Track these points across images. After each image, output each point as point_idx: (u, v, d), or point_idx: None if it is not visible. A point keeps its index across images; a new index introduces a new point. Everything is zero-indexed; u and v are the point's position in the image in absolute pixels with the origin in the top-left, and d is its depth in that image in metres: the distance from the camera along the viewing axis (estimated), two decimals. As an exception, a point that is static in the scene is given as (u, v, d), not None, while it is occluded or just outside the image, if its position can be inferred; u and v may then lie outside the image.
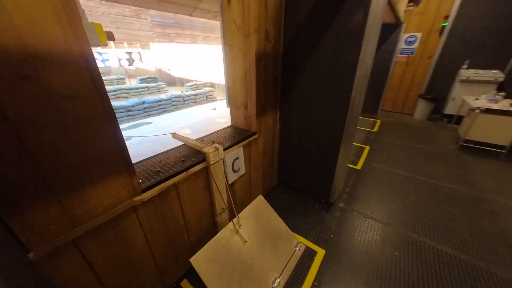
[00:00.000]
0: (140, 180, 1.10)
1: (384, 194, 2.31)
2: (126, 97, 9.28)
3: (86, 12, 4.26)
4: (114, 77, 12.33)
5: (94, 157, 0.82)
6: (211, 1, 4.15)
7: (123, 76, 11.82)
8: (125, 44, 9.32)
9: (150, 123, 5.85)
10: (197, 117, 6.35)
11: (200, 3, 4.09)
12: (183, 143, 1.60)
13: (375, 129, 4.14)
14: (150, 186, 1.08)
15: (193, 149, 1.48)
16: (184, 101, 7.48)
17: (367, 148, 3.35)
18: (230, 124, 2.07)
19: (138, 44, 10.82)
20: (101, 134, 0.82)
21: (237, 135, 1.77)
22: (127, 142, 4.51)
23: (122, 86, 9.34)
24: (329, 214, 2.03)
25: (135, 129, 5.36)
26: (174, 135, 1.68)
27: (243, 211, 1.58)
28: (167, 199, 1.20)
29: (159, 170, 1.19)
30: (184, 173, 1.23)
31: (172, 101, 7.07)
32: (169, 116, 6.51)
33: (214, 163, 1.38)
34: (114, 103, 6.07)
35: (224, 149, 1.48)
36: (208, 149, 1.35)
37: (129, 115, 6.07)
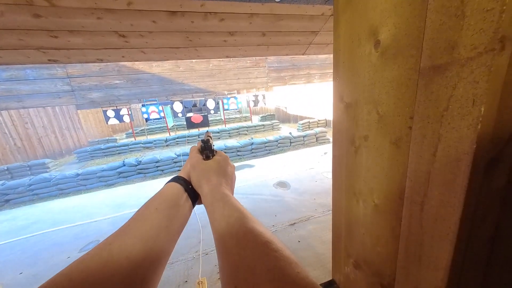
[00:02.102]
0: None
1: None
2: (246, 134, 10.53)
3: (216, 69, 5.11)
4: (243, 115, 14.96)
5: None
6: (331, 31, 3.05)
7: (247, 114, 13.99)
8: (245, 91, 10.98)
9: (253, 166, 5.70)
10: (301, 165, 5.39)
11: (315, 37, 3.18)
12: None
13: None
14: None
15: None
16: (291, 142, 6.92)
17: None
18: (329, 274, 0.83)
19: (263, 88, 12.46)
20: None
21: None
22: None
23: (244, 124, 10.80)
24: None
25: (236, 172, 5.38)
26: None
27: None
28: None
29: None
30: None
31: (279, 143, 6.73)
32: (272, 159, 6.12)
33: None
34: (229, 144, 6.70)
35: None
36: None
37: (238, 155, 6.38)
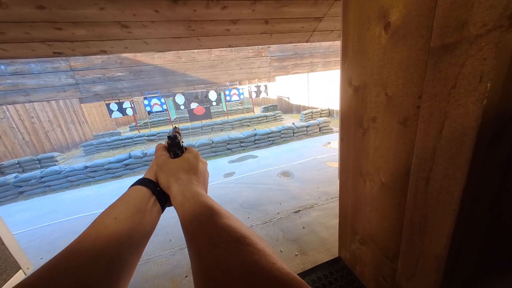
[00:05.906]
0: None
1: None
2: (248, 125, 10.53)
3: (218, 60, 5.05)
4: (245, 106, 14.88)
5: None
6: (335, 17, 3.05)
7: (250, 106, 13.91)
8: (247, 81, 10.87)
9: (256, 156, 5.76)
10: (304, 155, 5.42)
11: (319, 24, 3.12)
12: None
13: None
14: None
15: None
16: (294, 133, 6.92)
17: None
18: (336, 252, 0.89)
19: (266, 79, 12.29)
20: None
21: None
22: (229, 178, 4.53)
23: (246, 115, 10.79)
24: None
25: (240, 163, 5.45)
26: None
27: None
28: None
29: None
30: None
31: (282, 133, 6.74)
32: (275, 150, 6.16)
33: None
34: (232, 135, 6.74)
35: None
36: None
37: (241, 146, 6.43)
